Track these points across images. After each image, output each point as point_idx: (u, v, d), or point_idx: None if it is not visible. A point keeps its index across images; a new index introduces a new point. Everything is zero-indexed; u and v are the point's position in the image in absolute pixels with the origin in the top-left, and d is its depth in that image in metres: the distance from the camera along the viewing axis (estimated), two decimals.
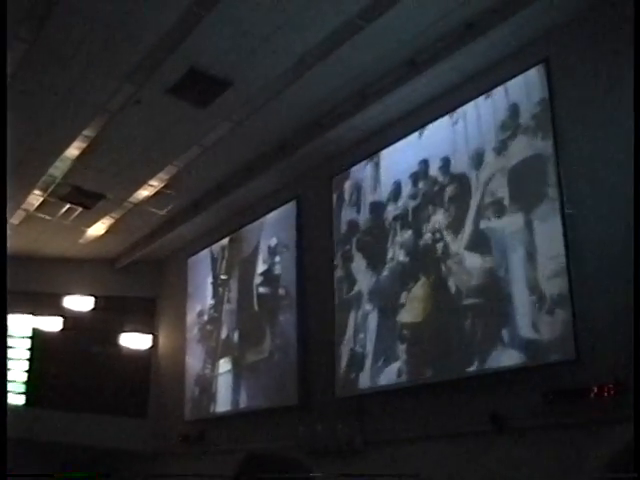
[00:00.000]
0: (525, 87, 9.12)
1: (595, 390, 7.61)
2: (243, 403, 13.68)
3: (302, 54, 9.51)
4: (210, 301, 15.28)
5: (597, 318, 7.80)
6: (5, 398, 9.32)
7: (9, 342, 17.22)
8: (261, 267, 13.82)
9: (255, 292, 13.88)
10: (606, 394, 7.52)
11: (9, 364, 17.02)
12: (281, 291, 13.06)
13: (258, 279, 13.83)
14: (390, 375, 10.38)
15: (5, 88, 8.04)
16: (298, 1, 8.49)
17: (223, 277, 14.96)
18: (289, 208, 13.14)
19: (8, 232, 15.60)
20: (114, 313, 17.70)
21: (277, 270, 13.31)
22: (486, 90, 9.61)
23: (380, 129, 11.26)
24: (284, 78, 10.08)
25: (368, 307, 11.02)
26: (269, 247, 13.59)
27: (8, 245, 16.05)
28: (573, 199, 8.27)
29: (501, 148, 9.29)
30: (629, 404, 7.10)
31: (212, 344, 14.90)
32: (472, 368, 9.13)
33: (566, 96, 8.58)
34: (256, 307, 13.77)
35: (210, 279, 15.43)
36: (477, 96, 9.74)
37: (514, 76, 9.24)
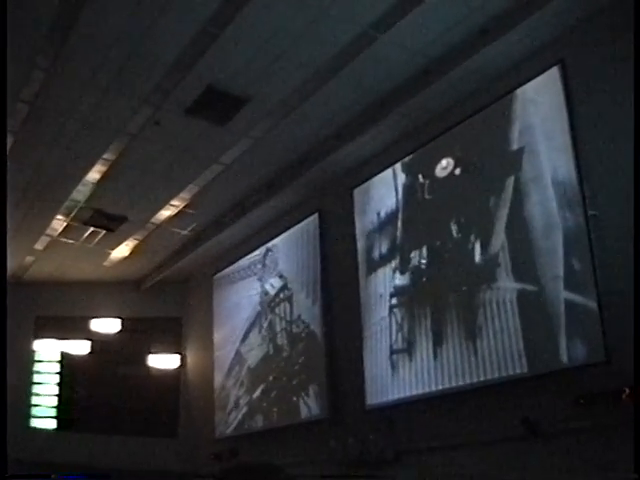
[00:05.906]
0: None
1: (627, 392, 7.53)
2: (274, 419, 13.69)
3: (318, 67, 9.54)
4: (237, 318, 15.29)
5: (624, 319, 7.72)
6: (5, 398, 9.39)
7: (38, 367, 17.38)
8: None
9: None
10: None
11: (38, 389, 17.17)
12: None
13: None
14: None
15: (5, 90, 8.08)
16: (310, 15, 8.51)
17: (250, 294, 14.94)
18: (311, 221, 13.20)
19: (32, 258, 15.77)
20: (141, 334, 17.79)
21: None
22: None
23: (398, 139, 11.28)
24: (301, 92, 10.11)
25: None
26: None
27: (33, 270, 16.34)
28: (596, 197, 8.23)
29: None
30: None
31: (241, 360, 14.91)
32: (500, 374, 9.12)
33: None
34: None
35: (237, 298, 15.44)
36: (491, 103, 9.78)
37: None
